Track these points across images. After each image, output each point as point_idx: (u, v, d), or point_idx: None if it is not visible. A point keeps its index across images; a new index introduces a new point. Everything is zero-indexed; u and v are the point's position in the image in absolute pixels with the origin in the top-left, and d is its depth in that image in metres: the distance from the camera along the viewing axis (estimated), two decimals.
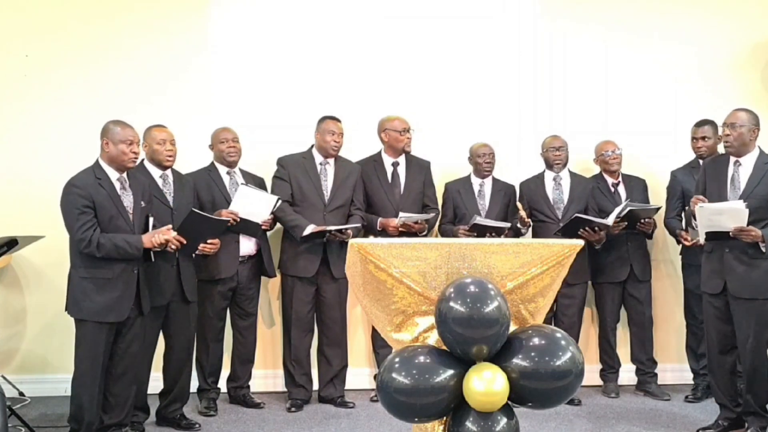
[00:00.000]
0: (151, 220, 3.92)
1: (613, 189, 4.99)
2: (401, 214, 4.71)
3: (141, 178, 4.03)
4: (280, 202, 4.55)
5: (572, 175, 5.02)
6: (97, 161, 3.85)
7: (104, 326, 3.74)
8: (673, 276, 5.27)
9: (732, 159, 4.03)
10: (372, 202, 4.92)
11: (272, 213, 4.55)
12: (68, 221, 3.74)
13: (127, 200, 3.84)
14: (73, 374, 3.83)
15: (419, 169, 4.98)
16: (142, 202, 3.92)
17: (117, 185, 3.81)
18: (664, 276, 5.30)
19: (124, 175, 3.86)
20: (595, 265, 5.00)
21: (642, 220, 4.75)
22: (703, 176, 4.19)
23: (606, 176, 5.03)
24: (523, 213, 4.71)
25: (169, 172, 4.30)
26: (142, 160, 4.28)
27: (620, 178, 5.02)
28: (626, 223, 4.72)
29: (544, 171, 5.02)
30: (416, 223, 4.72)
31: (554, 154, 4.93)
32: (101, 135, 3.84)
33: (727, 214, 3.85)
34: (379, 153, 4.99)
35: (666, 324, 5.31)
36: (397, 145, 4.89)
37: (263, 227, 4.61)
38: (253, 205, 4.46)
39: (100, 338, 3.74)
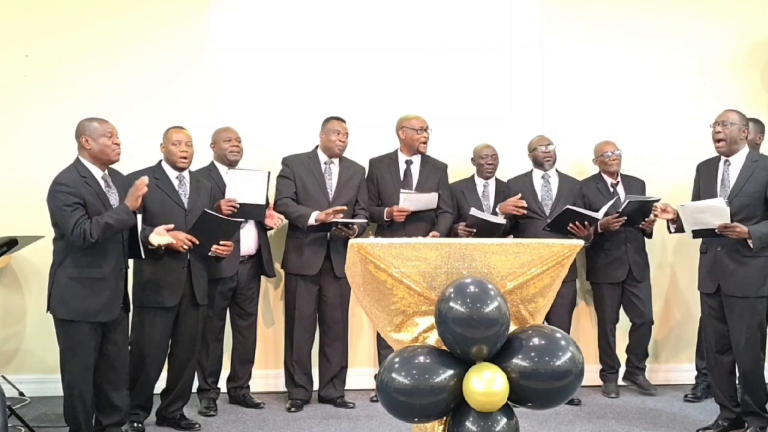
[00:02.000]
0: (139, 217, 3.89)
1: (612, 189, 5.00)
2: (402, 191, 4.72)
3: (122, 176, 3.99)
4: (270, 174, 4.56)
5: (560, 174, 5.04)
6: (78, 160, 3.79)
7: (93, 326, 3.71)
8: (672, 276, 5.27)
9: (722, 159, 4.08)
10: (383, 199, 4.92)
11: (267, 192, 4.54)
12: (60, 220, 3.66)
13: (113, 198, 3.81)
14: (63, 377, 3.78)
15: (434, 170, 4.97)
16: None
17: (102, 183, 3.78)
18: (663, 276, 5.30)
19: (107, 172, 3.83)
20: (593, 265, 5.02)
21: (646, 219, 4.76)
22: (697, 178, 4.25)
23: (605, 176, 5.04)
24: (518, 206, 4.75)
25: (185, 173, 4.31)
26: (160, 161, 4.30)
27: (619, 179, 5.03)
28: (625, 218, 4.72)
29: (533, 170, 5.04)
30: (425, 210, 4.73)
31: (543, 152, 4.95)
32: (77, 134, 3.78)
33: (709, 212, 3.91)
34: (396, 151, 4.99)
35: (665, 324, 5.32)
36: (413, 144, 4.90)
37: (269, 227, 4.63)
38: (246, 186, 4.45)
39: (90, 338, 3.71)
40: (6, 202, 4.96)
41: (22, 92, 5.06)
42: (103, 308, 3.72)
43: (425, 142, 4.90)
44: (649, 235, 4.99)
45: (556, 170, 5.04)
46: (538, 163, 5.01)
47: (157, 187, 4.16)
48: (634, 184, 5.04)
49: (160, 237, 3.88)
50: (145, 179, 3.78)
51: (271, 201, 4.75)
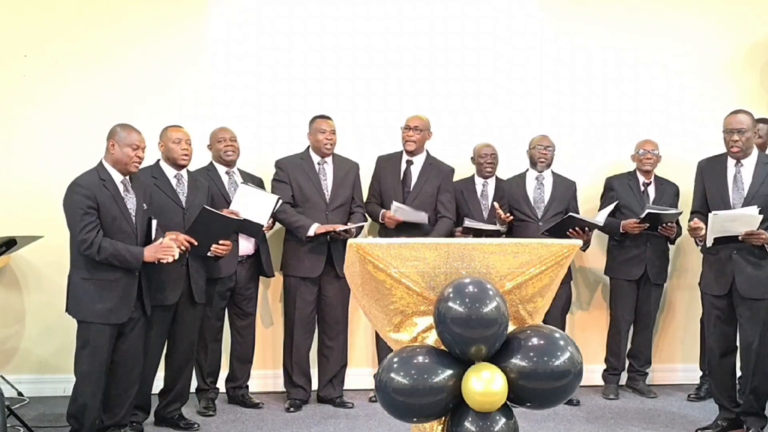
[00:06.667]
0: (154, 223, 3.91)
1: (643, 188, 4.97)
2: (395, 203, 4.69)
3: (143, 179, 4.03)
4: (280, 202, 4.55)
5: (555, 175, 5.00)
6: (101, 162, 3.85)
7: (107, 327, 3.74)
8: (689, 280, 5.15)
9: (731, 160, 4.04)
10: (383, 198, 4.89)
11: (273, 213, 4.55)
12: (71, 221, 3.73)
13: (131, 202, 3.84)
14: (75, 375, 3.81)
15: (437, 173, 4.89)
16: (144, 205, 3.92)
17: (120, 187, 3.81)
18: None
19: (127, 177, 3.86)
20: (612, 261, 5.04)
21: (663, 224, 4.75)
22: (700, 178, 4.19)
23: (639, 175, 5.00)
24: (500, 211, 4.71)
25: (183, 172, 4.31)
26: (158, 160, 4.30)
27: (652, 180, 5.00)
28: (648, 225, 4.71)
29: (527, 170, 5.02)
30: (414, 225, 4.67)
31: (541, 152, 4.92)
32: (108, 137, 3.84)
33: (739, 221, 3.87)
34: (401, 150, 4.97)
35: (671, 325, 5.34)
36: (403, 142, 4.89)
37: (264, 230, 4.60)
38: (253, 204, 4.44)
39: (104, 339, 3.74)
40: (5, 202, 4.95)
41: (21, 93, 5.05)
42: (114, 310, 3.74)
43: (411, 141, 4.84)
44: (672, 241, 4.98)
45: (552, 171, 5.00)
46: (532, 162, 4.98)
47: (156, 186, 4.17)
48: (667, 187, 5.00)
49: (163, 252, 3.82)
50: (175, 250, 3.80)
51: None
